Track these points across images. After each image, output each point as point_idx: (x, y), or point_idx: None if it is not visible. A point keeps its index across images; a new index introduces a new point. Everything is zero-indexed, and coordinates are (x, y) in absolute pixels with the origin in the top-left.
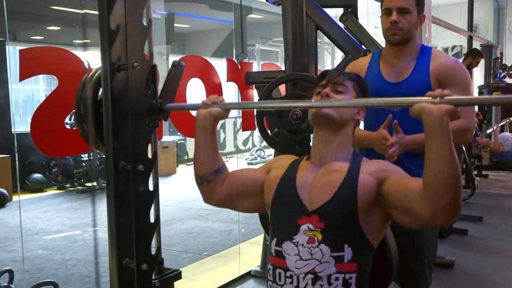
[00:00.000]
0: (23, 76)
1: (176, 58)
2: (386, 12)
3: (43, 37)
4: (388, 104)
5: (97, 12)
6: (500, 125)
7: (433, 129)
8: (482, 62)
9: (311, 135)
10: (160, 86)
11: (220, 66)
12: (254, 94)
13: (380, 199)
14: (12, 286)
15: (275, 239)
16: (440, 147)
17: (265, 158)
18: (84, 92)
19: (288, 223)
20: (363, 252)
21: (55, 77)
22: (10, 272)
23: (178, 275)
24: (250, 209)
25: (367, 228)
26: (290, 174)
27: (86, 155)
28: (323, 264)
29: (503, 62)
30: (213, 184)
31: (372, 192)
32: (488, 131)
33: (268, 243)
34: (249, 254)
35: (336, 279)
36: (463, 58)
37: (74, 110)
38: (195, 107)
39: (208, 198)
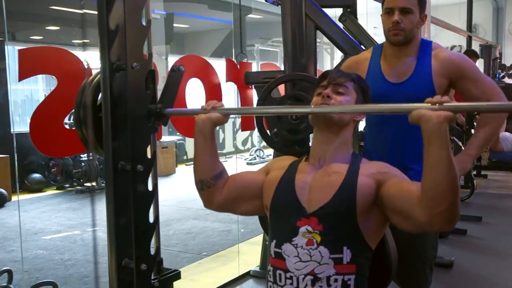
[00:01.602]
0: (22, 76)
1: (175, 58)
2: (387, 11)
3: (42, 37)
4: (387, 111)
5: (96, 12)
6: None
7: (431, 135)
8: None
9: (311, 135)
10: (159, 87)
11: (219, 66)
12: (254, 94)
13: (379, 202)
14: (11, 286)
15: (274, 240)
16: (438, 153)
17: (264, 158)
18: (84, 96)
19: (287, 224)
20: (362, 253)
21: (54, 77)
22: (9, 272)
23: (177, 275)
24: (250, 212)
25: (365, 230)
26: (289, 175)
27: (85, 155)
28: (322, 266)
29: (502, 62)
30: (214, 189)
31: (371, 194)
32: None
33: (267, 243)
34: (248, 254)
35: (335, 280)
36: None
37: (73, 110)
38: (194, 112)
39: (208, 203)
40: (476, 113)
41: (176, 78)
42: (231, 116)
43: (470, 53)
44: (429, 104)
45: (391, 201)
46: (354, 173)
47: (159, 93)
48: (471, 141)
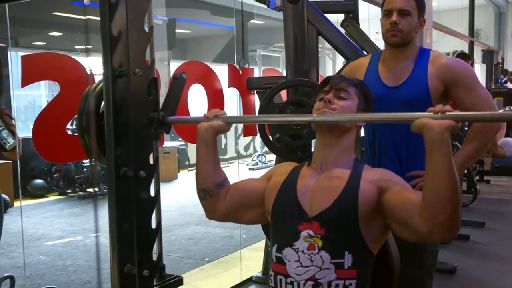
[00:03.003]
0: (25, 82)
1: (178, 64)
2: (386, 13)
3: (45, 43)
4: (389, 120)
5: (99, 18)
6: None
7: (433, 145)
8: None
9: (313, 141)
10: (161, 92)
11: (221, 71)
12: (256, 100)
13: (380, 209)
14: None
15: (275, 245)
16: (440, 163)
17: (266, 163)
18: (87, 104)
19: (289, 229)
20: (363, 258)
21: (57, 83)
22: (11, 278)
23: (179, 281)
24: (254, 220)
25: (367, 235)
26: (290, 180)
27: (88, 160)
28: (323, 271)
29: (505, 67)
30: (216, 198)
31: (372, 201)
32: None
33: (269, 249)
34: (251, 260)
35: (337, 285)
36: None
37: (76, 116)
38: (197, 120)
39: (211, 213)
40: None
41: (179, 85)
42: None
43: (463, 55)
44: (432, 113)
45: (392, 210)
46: (356, 178)
47: (162, 99)
48: (456, 156)
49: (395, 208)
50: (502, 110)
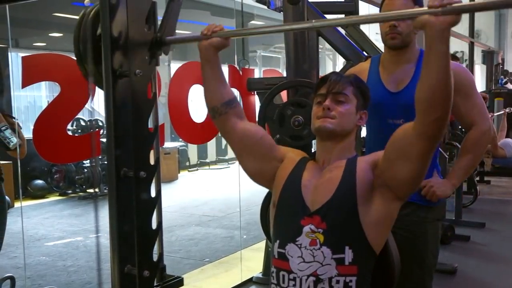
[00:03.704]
0: (25, 83)
1: (178, 64)
2: None
3: (45, 44)
4: (390, 18)
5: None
6: (499, 113)
7: (433, 41)
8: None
9: (313, 141)
10: (162, 92)
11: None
12: (256, 100)
13: (379, 180)
14: None
15: (278, 241)
16: (438, 60)
17: None
18: (83, 30)
19: (291, 224)
20: (364, 255)
21: (58, 83)
22: (12, 278)
23: (180, 282)
24: (251, 169)
25: (367, 227)
26: (297, 172)
27: (88, 161)
28: (325, 267)
29: (505, 68)
30: (226, 117)
31: (369, 176)
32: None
33: (270, 249)
34: (251, 261)
35: (337, 282)
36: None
37: (76, 117)
38: (195, 38)
39: (222, 132)
40: None
41: (176, 7)
42: None
43: (452, 57)
44: (433, 8)
45: (387, 158)
46: (353, 162)
47: (162, 99)
48: (453, 170)
49: (389, 151)
50: (502, 112)
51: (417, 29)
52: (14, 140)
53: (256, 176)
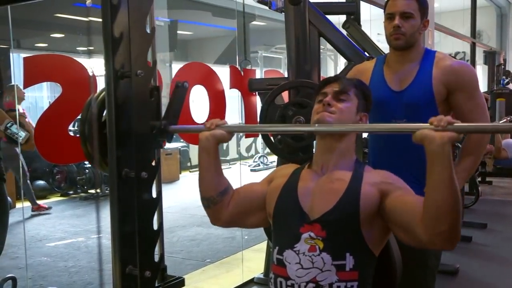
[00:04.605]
0: (27, 83)
1: (179, 65)
2: (389, 17)
3: (47, 45)
4: (390, 130)
5: (101, 20)
6: (501, 122)
7: (434, 156)
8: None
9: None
10: (163, 93)
11: (223, 73)
12: (257, 101)
13: (382, 212)
14: None
15: (277, 247)
16: (440, 174)
17: (268, 165)
18: (89, 112)
19: (290, 231)
20: (365, 260)
21: (59, 84)
22: (13, 279)
23: (181, 283)
24: (257, 224)
25: (369, 237)
26: (291, 183)
27: None
28: (325, 273)
29: (507, 69)
30: (220, 205)
31: (374, 204)
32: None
33: (271, 250)
34: (252, 261)
35: (338, 287)
36: None
37: (78, 117)
38: (198, 129)
39: (215, 220)
40: None
41: (181, 94)
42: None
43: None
44: (433, 125)
45: (393, 214)
46: (358, 181)
47: (164, 100)
48: (456, 172)
49: (397, 213)
50: (503, 121)
51: (417, 143)
52: (22, 134)
53: (266, 224)
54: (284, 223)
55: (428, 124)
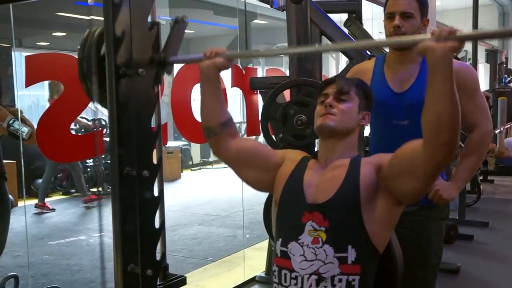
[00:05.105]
0: (29, 82)
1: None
2: (388, 16)
3: (48, 43)
4: (393, 44)
5: (102, 19)
6: (506, 127)
7: (436, 67)
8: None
9: (316, 140)
10: (165, 91)
11: (224, 71)
12: (259, 100)
13: (382, 184)
14: None
15: (280, 239)
16: (442, 85)
17: None
18: (87, 49)
19: (293, 222)
20: (367, 254)
21: (61, 83)
22: (15, 277)
23: (182, 281)
24: (251, 180)
25: (370, 227)
26: (298, 171)
27: (91, 160)
28: (327, 265)
29: (508, 67)
30: (220, 137)
31: (373, 179)
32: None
33: (272, 248)
34: (254, 260)
35: (340, 280)
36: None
37: (78, 118)
38: (198, 59)
39: (216, 151)
40: None
41: (180, 29)
42: (237, 122)
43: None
44: (434, 36)
45: (391, 169)
46: (356, 163)
47: (165, 98)
48: (458, 171)
49: (395, 164)
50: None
51: (420, 54)
52: (25, 129)
53: (257, 184)
54: (288, 213)
55: (429, 35)
